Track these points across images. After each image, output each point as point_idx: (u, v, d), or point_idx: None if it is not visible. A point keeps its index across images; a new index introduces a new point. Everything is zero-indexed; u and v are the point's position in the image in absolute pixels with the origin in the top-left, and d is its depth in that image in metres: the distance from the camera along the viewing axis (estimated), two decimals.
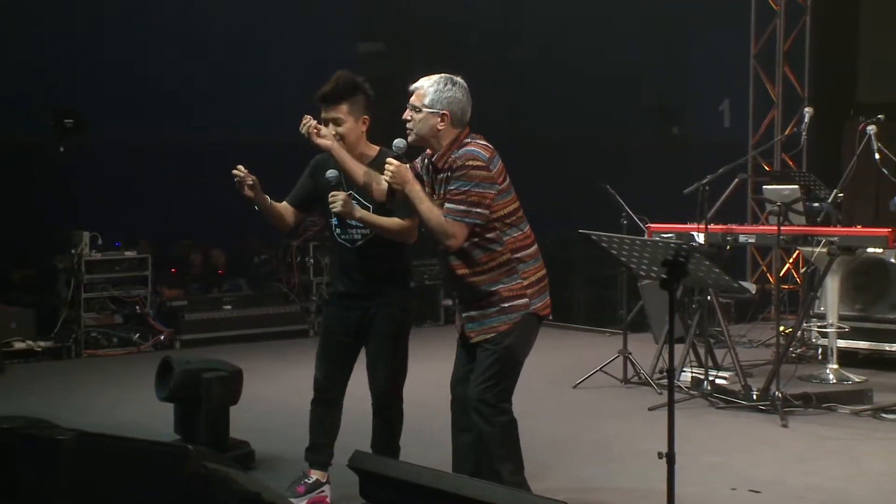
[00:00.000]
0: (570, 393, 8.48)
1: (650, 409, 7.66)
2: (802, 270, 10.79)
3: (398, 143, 5.03)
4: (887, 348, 8.97)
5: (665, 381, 5.36)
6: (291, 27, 13.22)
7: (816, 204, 8.78)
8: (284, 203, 5.65)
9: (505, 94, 14.62)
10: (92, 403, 8.37)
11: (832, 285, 8.63)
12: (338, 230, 5.58)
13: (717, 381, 8.17)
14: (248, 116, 12.75)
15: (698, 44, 13.87)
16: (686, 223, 8.61)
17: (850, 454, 6.61)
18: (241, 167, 5.41)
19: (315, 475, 5.74)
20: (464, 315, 5.11)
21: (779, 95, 12.48)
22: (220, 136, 12.75)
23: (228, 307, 11.31)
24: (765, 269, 12.50)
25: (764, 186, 9.18)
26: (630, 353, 8.67)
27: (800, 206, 8.61)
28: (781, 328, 8.54)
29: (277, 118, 13.20)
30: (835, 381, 8.53)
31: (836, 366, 8.64)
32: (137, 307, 10.75)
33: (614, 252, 4.82)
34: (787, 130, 11.69)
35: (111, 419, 7.65)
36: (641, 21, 13.79)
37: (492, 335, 5.00)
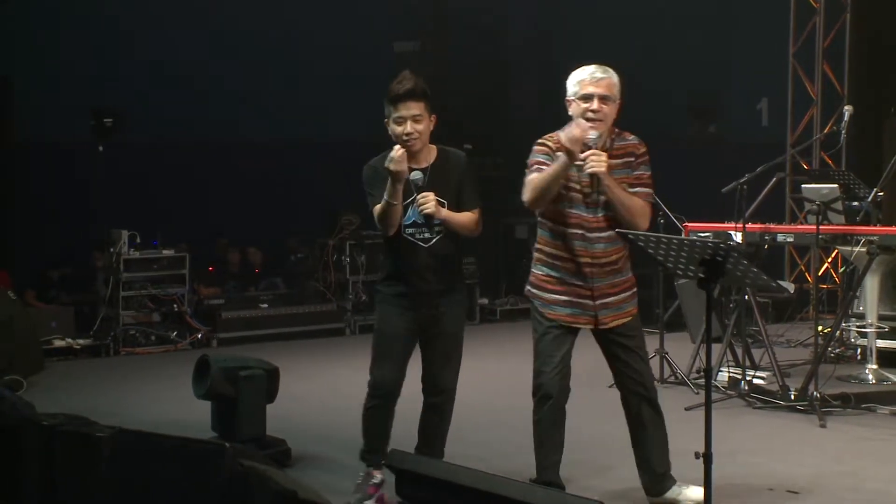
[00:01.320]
0: (606, 392, 8.40)
1: (687, 409, 7.62)
2: (841, 270, 10.69)
3: (593, 134, 5.11)
4: None
5: (702, 381, 5.32)
6: (327, 26, 13.26)
7: (856, 203, 8.70)
8: None
9: (541, 92, 14.60)
10: (130, 401, 8.43)
11: (871, 285, 8.56)
12: (411, 230, 5.52)
13: (755, 380, 8.12)
14: (284, 115, 12.81)
15: (737, 42, 13.79)
16: (724, 222, 8.56)
17: (890, 455, 6.55)
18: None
19: (379, 475, 5.72)
20: (598, 302, 5.28)
21: (818, 94, 12.39)
22: (256, 134, 12.82)
23: (265, 305, 11.36)
24: (803, 268, 12.41)
25: (802, 185, 9.10)
26: (667, 353, 8.63)
27: (839, 205, 8.53)
28: (820, 328, 8.47)
29: (315, 116, 13.35)
30: (874, 381, 8.46)
31: (875, 366, 8.57)
32: (175, 305, 10.83)
33: (651, 251, 4.80)
34: (826, 129, 11.58)
35: (149, 416, 7.70)
36: (680, 19, 13.73)
37: (629, 319, 5.39)
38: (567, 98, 5.28)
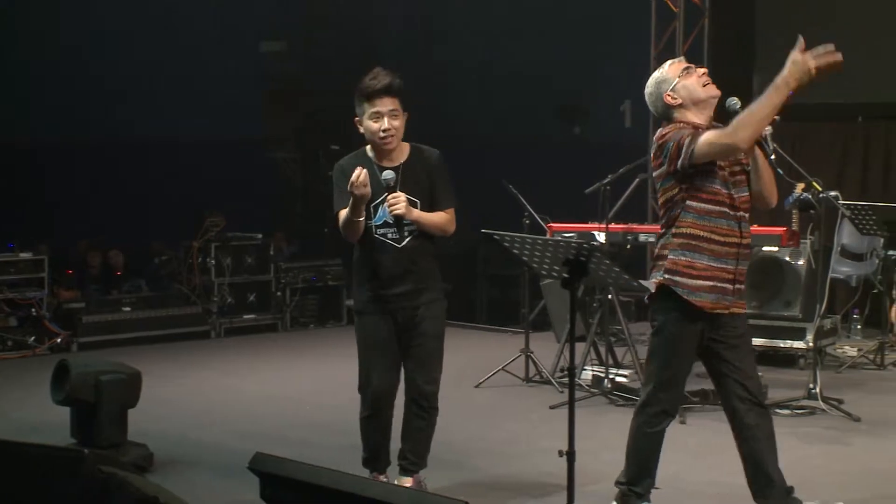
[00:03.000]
0: (473, 392, 8.50)
1: (551, 408, 7.72)
2: None
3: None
4: (782, 345, 9.15)
5: (566, 380, 5.39)
6: (198, 25, 13.08)
7: None
8: None
9: (415, 91, 14.61)
10: None
11: None
12: (382, 230, 5.41)
13: (618, 379, 8.26)
14: (148, 113, 12.58)
15: (602, 44, 14.02)
16: (587, 222, 8.68)
17: None
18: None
19: (383, 479, 5.60)
20: (736, 286, 5.16)
21: None
22: (118, 133, 12.58)
23: (128, 309, 11.12)
24: None
25: None
26: (532, 352, 8.71)
27: None
28: None
29: (180, 115, 13.15)
30: None
31: None
32: (33, 309, 10.52)
33: (516, 251, 4.84)
34: None
35: (6, 423, 7.51)
36: (548, 21, 13.90)
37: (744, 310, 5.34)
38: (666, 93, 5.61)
